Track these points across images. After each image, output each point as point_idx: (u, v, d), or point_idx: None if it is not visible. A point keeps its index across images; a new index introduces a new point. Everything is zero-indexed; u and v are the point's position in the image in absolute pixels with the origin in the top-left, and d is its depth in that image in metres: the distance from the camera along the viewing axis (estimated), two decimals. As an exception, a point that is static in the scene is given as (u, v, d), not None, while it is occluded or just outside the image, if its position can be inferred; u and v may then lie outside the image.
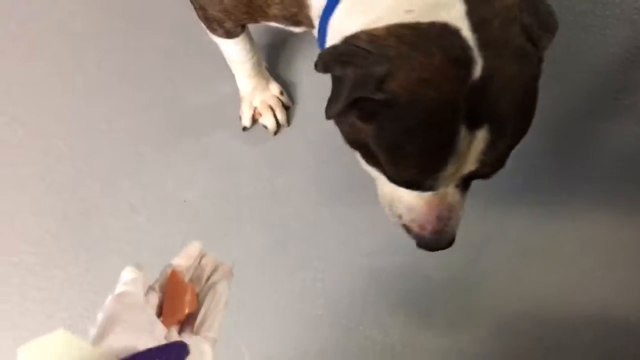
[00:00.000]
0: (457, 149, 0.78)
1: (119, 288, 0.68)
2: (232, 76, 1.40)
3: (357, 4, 0.84)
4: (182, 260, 0.76)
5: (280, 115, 1.43)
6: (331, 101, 0.82)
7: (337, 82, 0.81)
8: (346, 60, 0.78)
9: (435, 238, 0.93)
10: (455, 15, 0.76)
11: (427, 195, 0.89)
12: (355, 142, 0.87)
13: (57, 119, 1.47)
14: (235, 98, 1.44)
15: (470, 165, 0.82)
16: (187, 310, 0.71)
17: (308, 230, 1.38)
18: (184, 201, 1.40)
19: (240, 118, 1.44)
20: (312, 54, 1.49)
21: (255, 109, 1.42)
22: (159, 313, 0.71)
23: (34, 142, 1.45)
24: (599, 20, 1.58)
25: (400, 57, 0.75)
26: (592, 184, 1.43)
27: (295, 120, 1.46)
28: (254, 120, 1.43)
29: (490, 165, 0.83)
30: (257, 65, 1.37)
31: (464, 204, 0.92)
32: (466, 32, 0.75)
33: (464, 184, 0.89)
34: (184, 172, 1.42)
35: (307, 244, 1.37)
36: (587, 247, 1.38)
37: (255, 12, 1.05)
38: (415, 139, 0.78)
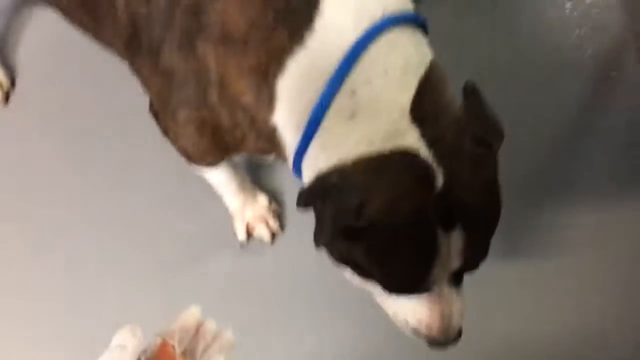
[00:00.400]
0: (438, 250, 0.86)
1: (106, 355, 0.63)
2: (218, 196, 1.41)
3: (326, 143, 0.90)
4: (176, 329, 0.69)
5: (273, 224, 1.45)
6: (317, 233, 0.90)
7: (318, 215, 0.88)
8: (322, 196, 0.86)
9: (444, 336, 0.98)
10: (411, 140, 0.85)
11: (425, 297, 0.95)
12: (346, 262, 0.94)
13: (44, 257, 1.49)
14: (226, 217, 1.46)
15: (455, 262, 0.89)
16: None
17: (320, 329, 1.42)
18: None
19: (235, 235, 1.46)
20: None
21: (248, 223, 1.45)
22: None
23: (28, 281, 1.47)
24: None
25: (370, 186, 0.84)
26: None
27: (288, 224, 1.49)
28: (249, 235, 1.46)
29: (472, 259, 0.91)
30: (242, 183, 1.39)
31: (462, 298, 0.99)
32: (423, 151, 0.84)
33: (455, 279, 0.95)
34: (188, 299, 1.44)
35: (320, 342, 1.40)
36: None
37: (231, 150, 1.08)
38: (399, 250, 0.86)
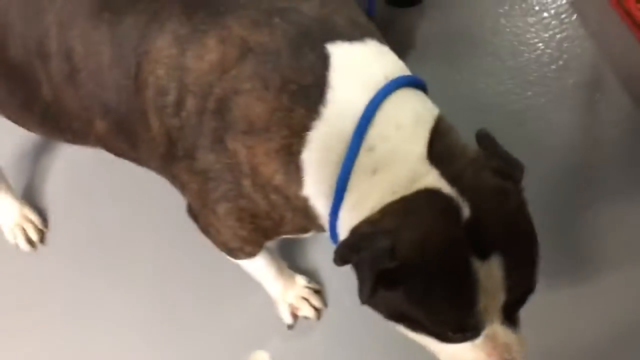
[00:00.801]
0: (477, 280, 0.87)
1: None
2: (258, 286, 1.47)
3: (355, 202, 0.96)
4: None
5: (316, 302, 1.51)
6: (360, 288, 0.92)
7: (357, 269, 0.91)
8: (356, 248, 0.89)
9: None
10: (431, 179, 0.91)
11: (480, 342, 0.95)
12: (394, 314, 0.95)
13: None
14: (269, 303, 1.52)
15: (500, 295, 0.90)
16: None
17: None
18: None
19: (281, 319, 1.51)
20: (320, 236, 1.57)
21: (291, 305, 1.50)
22: None
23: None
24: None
25: (398, 226, 0.88)
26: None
27: (330, 298, 1.54)
28: (295, 316, 1.51)
29: (518, 289, 0.91)
30: (279, 268, 1.44)
31: (522, 339, 0.97)
32: (445, 188, 0.90)
33: (509, 318, 0.95)
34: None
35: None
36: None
37: (271, 234, 1.12)
38: (438, 285, 0.88)
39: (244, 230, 1.10)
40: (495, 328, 0.94)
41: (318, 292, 1.53)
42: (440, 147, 0.94)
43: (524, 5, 1.96)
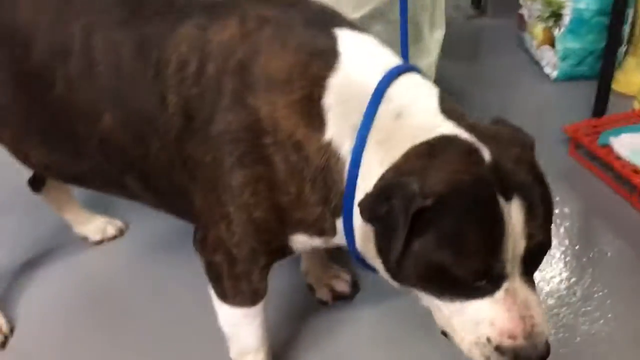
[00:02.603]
0: (504, 220, 0.88)
1: None
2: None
3: (379, 143, 0.98)
4: None
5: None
6: (392, 241, 0.90)
7: (386, 220, 0.90)
8: (385, 196, 0.90)
9: (531, 344, 0.92)
10: (448, 128, 0.95)
11: (500, 297, 0.92)
12: (421, 268, 0.92)
13: None
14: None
15: (521, 241, 0.90)
16: None
17: None
18: None
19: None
20: (322, 345, 1.48)
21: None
22: None
23: None
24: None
25: (426, 167, 0.90)
26: None
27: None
28: None
29: (537, 237, 0.91)
30: (270, 354, 1.31)
31: (539, 302, 0.96)
32: (463, 134, 0.94)
33: (526, 272, 0.93)
34: None
35: None
36: None
37: (285, 222, 1.06)
38: (469, 220, 0.88)
39: (259, 210, 1.05)
40: (515, 282, 0.93)
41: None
42: (449, 107, 1.00)
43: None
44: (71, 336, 1.55)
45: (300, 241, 1.10)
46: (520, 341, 0.92)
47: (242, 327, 1.24)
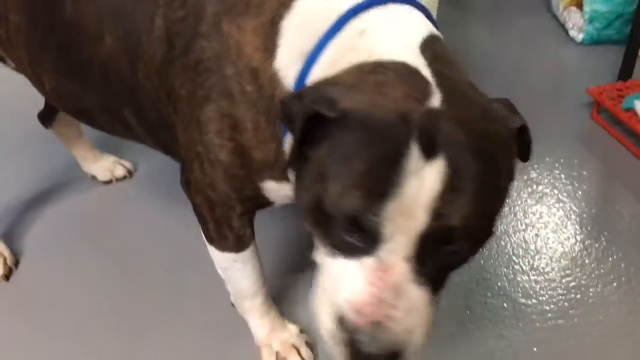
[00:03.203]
0: (406, 174, 0.71)
1: None
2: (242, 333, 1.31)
3: (326, 64, 0.86)
4: None
5: (307, 354, 1.31)
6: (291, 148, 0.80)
7: (292, 121, 0.79)
8: (300, 96, 0.79)
9: (373, 335, 0.75)
10: (415, 61, 0.80)
11: (369, 265, 0.76)
12: (306, 184, 0.80)
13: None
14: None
15: (422, 214, 0.71)
16: None
17: None
18: None
19: (265, 371, 1.31)
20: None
21: (277, 354, 1.30)
22: None
23: None
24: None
25: (355, 83, 0.77)
26: None
27: (323, 358, 1.34)
28: (280, 368, 1.31)
29: (448, 220, 0.72)
30: (269, 300, 1.29)
31: (426, 307, 0.77)
32: (425, 72, 0.78)
33: (421, 260, 0.75)
34: None
35: None
36: None
37: (250, 168, 1.00)
38: (363, 151, 0.73)
39: (224, 153, 0.98)
40: (396, 260, 0.75)
41: (310, 346, 1.33)
42: (437, 52, 0.83)
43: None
44: (75, 273, 1.54)
45: (273, 189, 1.03)
46: (363, 322, 0.76)
47: (234, 271, 1.21)
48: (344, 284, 0.78)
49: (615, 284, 1.48)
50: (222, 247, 1.16)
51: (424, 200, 0.71)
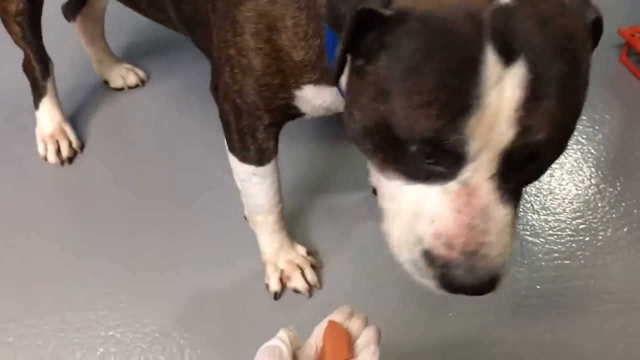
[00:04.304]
0: (484, 82, 0.63)
1: (272, 341, 0.79)
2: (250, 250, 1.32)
3: None
4: (338, 316, 0.85)
5: (310, 276, 1.32)
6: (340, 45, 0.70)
7: (340, 22, 0.71)
8: None
9: (469, 264, 0.69)
10: None
11: (452, 190, 0.69)
12: (373, 124, 0.72)
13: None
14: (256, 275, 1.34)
15: (507, 127, 0.65)
16: (346, 354, 0.77)
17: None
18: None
19: (267, 287, 1.32)
20: (326, 215, 1.46)
21: (282, 271, 1.31)
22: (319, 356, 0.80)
23: None
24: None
25: None
26: None
27: (329, 282, 1.35)
28: (283, 286, 1.32)
29: (535, 132, 0.65)
30: (282, 219, 1.28)
31: (512, 226, 0.71)
32: None
33: (505, 176, 0.69)
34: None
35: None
36: None
37: (286, 74, 0.94)
38: (430, 58, 0.65)
39: (259, 57, 0.93)
40: (481, 180, 0.68)
41: (315, 269, 1.34)
42: None
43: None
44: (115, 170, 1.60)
45: (308, 97, 0.97)
46: (455, 255, 0.70)
47: (251, 184, 1.19)
48: (425, 214, 0.72)
49: (625, 229, 1.47)
50: (243, 157, 1.14)
51: (506, 111, 0.65)
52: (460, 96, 0.64)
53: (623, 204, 1.53)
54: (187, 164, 1.59)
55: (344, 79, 0.81)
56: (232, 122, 1.09)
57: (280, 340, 0.79)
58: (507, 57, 0.65)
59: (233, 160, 1.16)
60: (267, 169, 1.16)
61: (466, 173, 0.69)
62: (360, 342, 0.81)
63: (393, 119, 0.69)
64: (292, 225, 1.42)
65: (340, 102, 0.94)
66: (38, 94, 1.56)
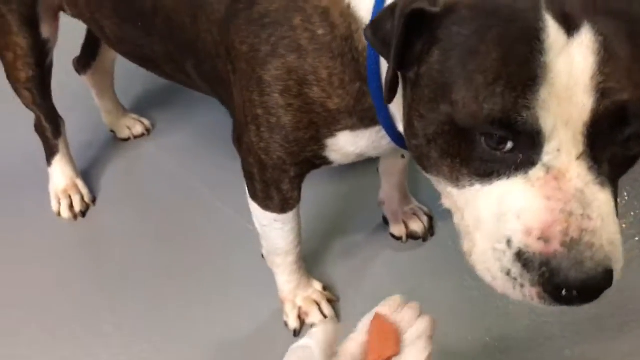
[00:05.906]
0: (546, 44, 0.59)
1: (303, 340, 0.73)
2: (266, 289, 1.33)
3: None
4: (386, 308, 0.75)
5: (327, 309, 1.33)
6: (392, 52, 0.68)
7: (390, 33, 0.69)
8: (391, 11, 0.69)
9: (573, 257, 0.59)
10: None
11: (536, 176, 0.62)
12: (436, 127, 0.67)
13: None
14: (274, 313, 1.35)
15: (584, 95, 0.59)
16: (391, 351, 0.70)
17: None
18: None
19: (286, 324, 1.33)
20: (340, 250, 1.47)
21: (299, 308, 1.33)
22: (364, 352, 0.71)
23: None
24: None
25: None
26: None
27: (345, 314, 1.36)
28: (302, 322, 1.33)
29: (617, 93, 0.59)
30: (300, 259, 1.29)
31: (610, 208, 0.61)
32: None
33: (593, 153, 0.61)
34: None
35: None
36: None
37: (319, 126, 0.94)
38: (486, 35, 0.62)
39: (289, 114, 0.93)
40: (567, 158, 0.61)
41: (331, 303, 1.36)
42: None
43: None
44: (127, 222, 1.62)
45: (341, 144, 0.96)
46: (554, 247, 0.60)
47: (272, 229, 1.19)
48: (510, 211, 0.63)
49: (637, 239, 1.47)
50: (266, 206, 1.13)
51: (580, 77, 0.59)
52: (525, 66, 0.60)
53: (632, 213, 1.54)
54: (199, 209, 1.60)
55: (394, 107, 0.81)
56: (257, 175, 1.08)
57: (312, 339, 0.71)
58: (570, 25, 0.61)
59: (255, 207, 1.16)
60: (290, 215, 1.16)
61: (548, 155, 0.62)
62: (409, 336, 0.72)
63: (456, 112, 0.64)
64: (308, 260, 1.43)
65: (375, 147, 0.96)
66: (50, 152, 1.59)
